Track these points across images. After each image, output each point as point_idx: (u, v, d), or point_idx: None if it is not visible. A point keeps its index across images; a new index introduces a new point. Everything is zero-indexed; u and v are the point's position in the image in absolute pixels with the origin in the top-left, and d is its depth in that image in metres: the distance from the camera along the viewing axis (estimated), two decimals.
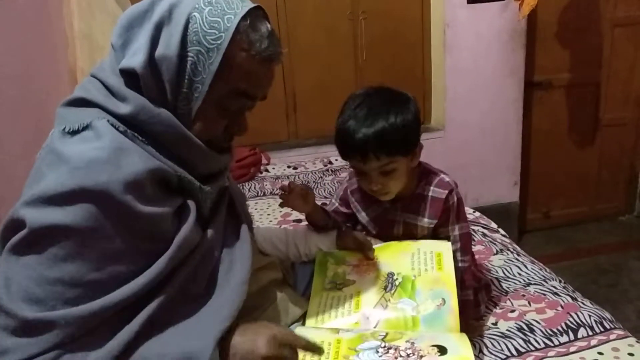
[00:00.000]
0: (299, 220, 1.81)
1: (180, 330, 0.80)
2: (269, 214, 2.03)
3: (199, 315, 0.83)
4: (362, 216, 1.27)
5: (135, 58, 0.79)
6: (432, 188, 1.19)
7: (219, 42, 0.80)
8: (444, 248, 1.12)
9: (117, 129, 0.79)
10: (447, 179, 1.20)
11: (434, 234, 1.22)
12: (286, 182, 1.19)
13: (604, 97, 3.28)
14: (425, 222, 1.19)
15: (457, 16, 2.87)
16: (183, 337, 0.78)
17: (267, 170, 2.64)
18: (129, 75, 0.80)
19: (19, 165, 1.51)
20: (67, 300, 0.73)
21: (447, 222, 1.20)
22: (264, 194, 2.31)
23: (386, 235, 1.26)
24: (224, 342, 0.80)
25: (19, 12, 1.82)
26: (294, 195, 1.15)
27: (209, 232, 0.90)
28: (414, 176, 1.20)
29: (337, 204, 1.33)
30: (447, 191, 1.17)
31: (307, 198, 1.17)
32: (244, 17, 0.81)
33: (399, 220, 1.23)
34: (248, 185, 2.43)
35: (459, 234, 1.20)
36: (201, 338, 0.78)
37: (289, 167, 2.68)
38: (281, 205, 1.18)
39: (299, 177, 2.52)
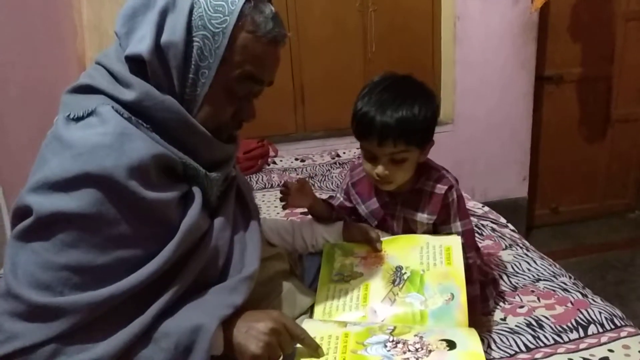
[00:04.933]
0: (306, 213, 1.80)
1: (188, 310, 0.81)
2: (276, 206, 2.03)
3: (207, 299, 0.84)
4: (362, 209, 1.27)
5: (141, 45, 0.78)
6: (431, 184, 1.18)
7: (224, 25, 0.79)
8: (454, 242, 1.10)
9: (121, 115, 0.78)
10: (447, 175, 1.19)
11: (435, 232, 1.21)
12: (288, 180, 1.19)
13: (615, 92, 3.24)
14: (425, 218, 1.18)
15: (468, 8, 2.84)
16: (190, 315, 0.80)
17: (274, 163, 2.63)
18: (134, 62, 0.80)
19: (26, 153, 1.51)
20: (74, 285, 0.73)
21: (448, 219, 1.18)
22: (272, 186, 2.30)
23: (386, 229, 1.25)
24: (227, 330, 0.81)
25: (26, 1, 1.82)
26: (293, 192, 1.16)
27: (218, 220, 0.89)
28: (415, 171, 1.19)
29: (342, 199, 1.33)
30: (446, 187, 1.16)
31: (305, 191, 1.17)
32: (247, 0, 0.80)
33: (398, 215, 1.22)
34: (255, 177, 2.43)
35: (462, 230, 1.18)
36: (208, 315, 0.79)
37: (296, 159, 2.67)
38: (284, 207, 1.21)
39: (306, 170, 2.51)
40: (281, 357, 0.83)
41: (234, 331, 0.81)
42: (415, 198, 1.19)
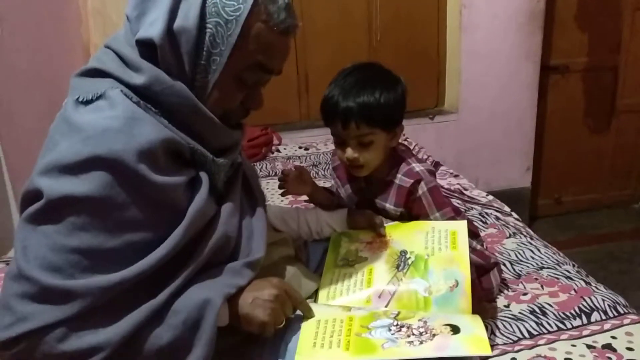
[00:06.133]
0: (308, 201, 1.81)
1: (194, 289, 0.83)
2: (280, 194, 2.03)
3: (213, 278, 0.86)
4: (342, 192, 1.30)
5: (153, 29, 0.78)
6: (400, 176, 1.17)
7: (237, 13, 0.79)
8: (460, 227, 1.10)
9: (130, 99, 0.78)
10: (417, 168, 1.16)
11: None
12: (289, 167, 1.20)
13: (621, 82, 3.22)
14: (392, 208, 1.19)
15: None
16: (197, 292, 0.82)
17: (278, 151, 2.63)
18: (145, 46, 0.80)
19: (32, 138, 1.51)
20: (84, 268, 0.74)
21: (425, 212, 1.17)
22: (275, 174, 2.30)
23: None
24: (231, 303, 0.84)
25: None
26: (291, 179, 1.18)
27: (226, 206, 0.90)
28: (387, 161, 1.19)
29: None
30: (412, 181, 1.15)
31: (303, 178, 1.19)
32: None
33: (373, 202, 1.23)
34: (259, 165, 2.43)
35: (443, 220, 1.17)
36: (213, 291, 0.82)
37: (300, 147, 2.67)
38: (283, 194, 1.23)
39: (310, 158, 2.51)
40: (284, 322, 0.86)
41: (239, 303, 0.84)
42: (385, 188, 1.20)
